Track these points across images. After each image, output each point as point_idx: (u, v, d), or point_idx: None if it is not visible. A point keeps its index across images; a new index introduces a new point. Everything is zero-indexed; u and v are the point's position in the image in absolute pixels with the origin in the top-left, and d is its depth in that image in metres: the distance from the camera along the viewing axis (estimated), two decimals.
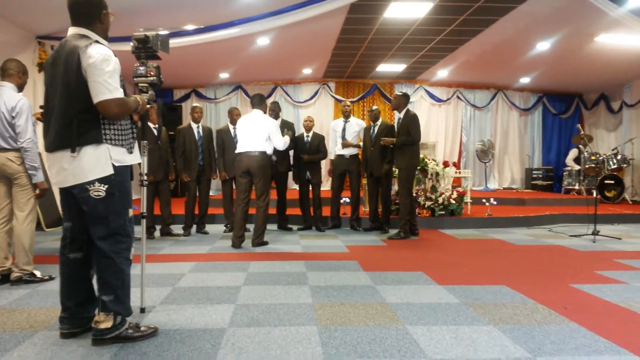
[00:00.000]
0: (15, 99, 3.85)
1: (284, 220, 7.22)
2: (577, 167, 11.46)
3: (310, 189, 7.11)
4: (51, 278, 4.06)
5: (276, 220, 7.22)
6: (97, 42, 2.57)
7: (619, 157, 10.46)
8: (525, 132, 13.32)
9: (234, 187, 6.31)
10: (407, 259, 5.06)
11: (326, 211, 7.33)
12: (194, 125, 6.63)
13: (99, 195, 2.55)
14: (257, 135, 5.64)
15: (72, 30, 2.63)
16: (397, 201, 6.87)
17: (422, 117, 12.07)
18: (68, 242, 2.73)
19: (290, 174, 7.30)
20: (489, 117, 13.11)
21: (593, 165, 9.94)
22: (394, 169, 6.92)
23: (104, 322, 2.59)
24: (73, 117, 2.50)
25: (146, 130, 3.04)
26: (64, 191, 2.68)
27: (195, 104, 6.84)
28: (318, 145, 7.06)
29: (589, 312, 3.25)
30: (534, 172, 12.70)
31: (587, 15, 7.05)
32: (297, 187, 7.34)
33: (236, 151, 5.79)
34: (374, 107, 7.10)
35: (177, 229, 6.70)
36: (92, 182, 2.53)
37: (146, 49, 3.09)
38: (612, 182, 10.24)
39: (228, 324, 2.96)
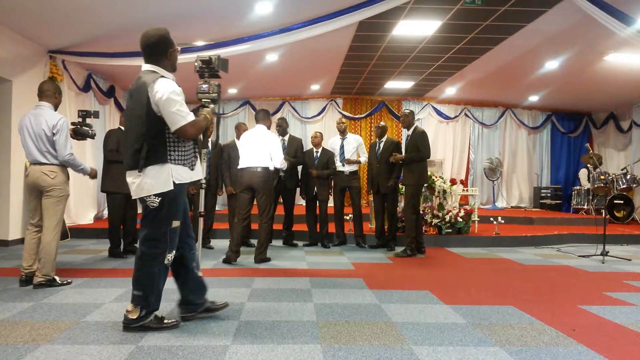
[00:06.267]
0: (55, 117, 4.24)
1: (289, 236, 7.20)
2: (588, 186, 11.36)
3: (317, 205, 7.10)
4: (69, 283, 4.36)
5: (282, 236, 7.20)
6: (162, 77, 2.96)
7: (628, 176, 10.38)
8: (534, 150, 13.28)
9: None
10: (413, 278, 5.01)
11: (332, 227, 7.30)
12: None
13: (153, 205, 2.97)
14: (260, 151, 5.60)
15: (144, 67, 3.07)
16: (403, 218, 6.83)
17: (430, 134, 11.97)
18: None
19: (297, 189, 7.29)
20: (497, 135, 13.09)
21: (602, 185, 9.87)
22: (400, 185, 6.89)
23: (132, 312, 3.01)
24: (144, 141, 2.91)
25: (205, 140, 3.38)
26: None
27: None
28: (327, 162, 7.06)
29: (597, 334, 3.19)
30: (543, 190, 12.63)
31: (596, 35, 7.06)
32: (303, 202, 7.33)
33: (238, 167, 5.75)
34: (381, 124, 7.11)
35: None
36: (149, 195, 2.95)
37: (209, 69, 3.51)
38: (622, 202, 10.15)
39: (231, 341, 2.93)
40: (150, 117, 2.90)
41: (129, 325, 3.01)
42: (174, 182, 2.96)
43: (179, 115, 2.89)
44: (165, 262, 3.04)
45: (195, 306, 3.29)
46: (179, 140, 3.00)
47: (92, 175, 4.63)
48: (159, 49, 3.03)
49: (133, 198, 3.08)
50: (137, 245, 3.06)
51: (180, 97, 2.93)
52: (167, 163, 2.95)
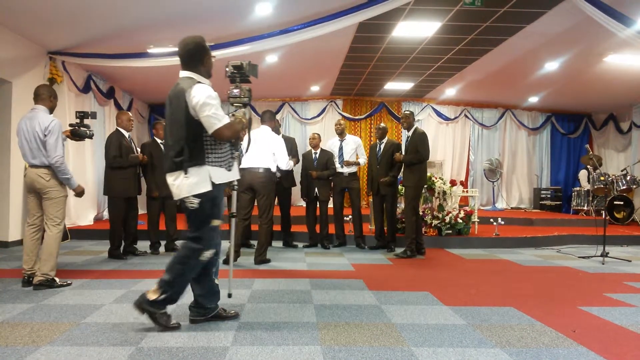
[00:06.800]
0: (48, 119, 4.28)
1: (289, 237, 7.19)
2: (588, 187, 11.35)
3: (317, 205, 7.09)
4: (69, 284, 4.35)
5: (282, 237, 7.19)
6: (199, 82, 3.09)
7: (628, 177, 10.38)
8: (534, 151, 13.28)
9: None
10: (413, 279, 5.01)
11: (332, 229, 7.29)
12: None
13: (192, 206, 3.08)
14: (262, 151, 5.60)
15: (181, 74, 3.19)
16: (403, 219, 6.82)
17: (430, 135, 11.94)
18: None
19: (298, 190, 7.27)
20: (497, 136, 13.09)
21: (602, 186, 9.86)
22: (400, 187, 6.89)
23: (152, 293, 3.07)
24: (184, 145, 3.03)
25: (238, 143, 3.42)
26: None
27: None
28: (326, 162, 7.05)
29: (597, 335, 3.19)
30: (542, 192, 12.62)
31: (595, 36, 7.06)
32: (304, 204, 7.31)
33: (240, 166, 5.74)
34: (382, 125, 7.11)
35: None
36: (188, 196, 3.06)
37: (240, 74, 3.60)
38: (622, 203, 10.15)
39: (231, 342, 2.93)
40: (189, 122, 3.02)
41: (141, 305, 3.06)
42: (212, 183, 3.07)
43: (215, 118, 3.00)
44: (202, 258, 3.15)
45: (206, 310, 3.32)
46: (216, 142, 3.11)
47: (77, 192, 4.56)
48: (195, 57, 3.17)
49: (175, 199, 3.17)
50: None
51: (216, 101, 3.04)
52: (205, 165, 3.07)
